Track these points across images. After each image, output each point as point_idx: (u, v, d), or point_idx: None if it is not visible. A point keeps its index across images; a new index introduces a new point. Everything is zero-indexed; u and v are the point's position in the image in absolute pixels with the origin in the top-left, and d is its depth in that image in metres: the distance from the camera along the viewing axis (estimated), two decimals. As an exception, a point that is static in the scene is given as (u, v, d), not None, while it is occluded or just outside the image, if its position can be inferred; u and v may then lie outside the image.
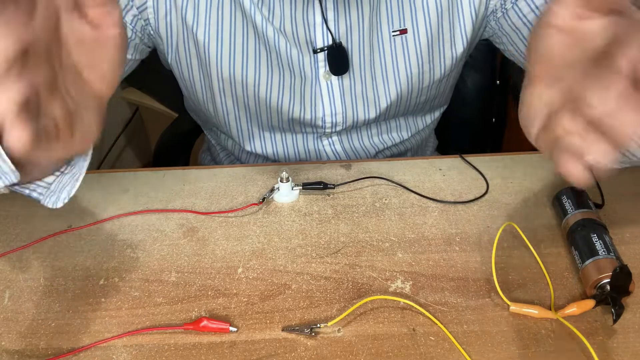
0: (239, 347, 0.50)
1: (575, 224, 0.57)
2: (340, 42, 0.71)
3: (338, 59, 0.72)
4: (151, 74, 0.91)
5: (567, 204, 0.60)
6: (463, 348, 0.49)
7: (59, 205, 0.47)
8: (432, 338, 0.50)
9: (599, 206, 0.63)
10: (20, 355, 0.50)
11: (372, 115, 0.77)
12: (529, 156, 0.74)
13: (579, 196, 0.60)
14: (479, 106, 1.09)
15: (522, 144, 1.01)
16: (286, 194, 0.66)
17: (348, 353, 0.49)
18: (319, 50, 0.71)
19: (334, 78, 0.74)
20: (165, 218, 0.65)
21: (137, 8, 0.69)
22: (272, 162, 0.89)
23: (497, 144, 1.16)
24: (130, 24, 0.71)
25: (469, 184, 0.68)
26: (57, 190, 0.47)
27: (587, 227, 0.56)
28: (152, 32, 0.73)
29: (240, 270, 0.58)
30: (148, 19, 0.71)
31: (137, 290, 0.56)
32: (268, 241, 0.61)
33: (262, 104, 0.76)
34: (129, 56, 0.74)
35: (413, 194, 0.67)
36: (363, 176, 0.70)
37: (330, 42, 0.70)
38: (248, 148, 0.84)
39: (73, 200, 0.69)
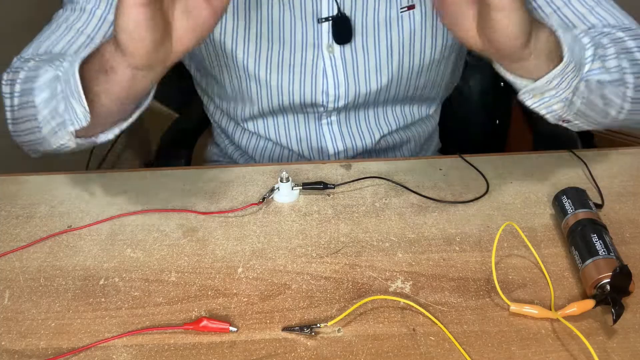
0: (239, 347, 0.50)
1: (575, 224, 0.57)
2: (344, 13, 0.73)
3: (341, 28, 0.74)
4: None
5: (567, 204, 0.60)
6: (463, 348, 0.49)
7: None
8: (432, 338, 0.50)
9: (599, 206, 0.63)
10: (20, 355, 0.50)
11: (373, 87, 0.78)
12: (529, 156, 0.74)
13: (579, 196, 0.60)
14: (483, 108, 1.09)
15: (524, 146, 1.01)
16: (286, 194, 0.66)
17: (348, 353, 0.49)
18: (323, 20, 0.73)
19: (337, 50, 0.75)
20: (165, 218, 0.65)
21: None
22: (272, 163, 0.90)
23: (501, 146, 1.15)
24: None
25: (469, 184, 0.68)
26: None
27: (587, 227, 0.56)
28: None
29: (240, 270, 0.58)
30: None
31: (137, 290, 0.56)
32: (268, 241, 0.61)
33: (262, 83, 0.77)
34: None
35: (413, 194, 0.67)
36: (363, 176, 0.70)
37: (336, 12, 0.73)
38: (249, 128, 0.85)
39: (73, 200, 0.69)
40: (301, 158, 0.86)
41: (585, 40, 0.60)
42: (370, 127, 0.84)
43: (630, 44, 0.64)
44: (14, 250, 0.61)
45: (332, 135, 0.83)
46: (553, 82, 0.58)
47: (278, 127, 0.84)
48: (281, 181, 0.66)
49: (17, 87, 0.64)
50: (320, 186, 0.67)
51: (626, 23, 0.70)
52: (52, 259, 0.60)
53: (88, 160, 1.69)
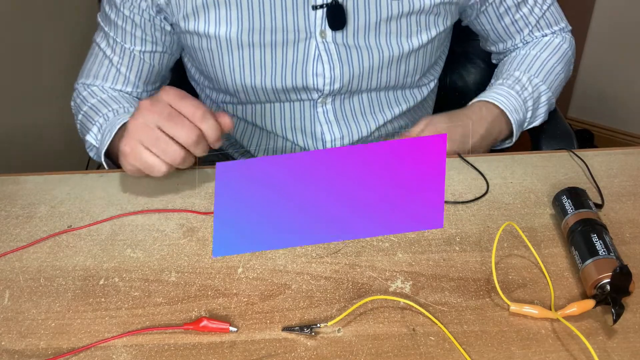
0: (239, 347, 0.50)
1: (575, 224, 0.57)
2: (338, 0, 0.75)
3: (336, 15, 0.76)
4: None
5: (567, 204, 0.60)
6: (463, 348, 0.49)
7: None
8: (432, 338, 0.50)
9: (599, 206, 0.63)
10: (20, 355, 0.50)
11: (366, 66, 0.80)
12: (529, 156, 0.74)
13: (579, 196, 0.60)
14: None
15: (522, 144, 1.01)
16: (286, 194, 0.66)
17: (348, 353, 0.49)
18: (318, 7, 0.75)
19: (329, 35, 0.77)
20: (165, 218, 0.65)
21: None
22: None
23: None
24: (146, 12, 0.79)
25: (469, 184, 0.68)
26: None
27: (587, 227, 0.56)
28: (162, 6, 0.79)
29: (240, 270, 0.58)
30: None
31: (137, 290, 0.56)
32: (268, 241, 0.61)
33: (255, 68, 0.78)
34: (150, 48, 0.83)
35: (413, 194, 0.67)
36: (363, 176, 0.69)
37: (330, 0, 0.75)
38: (246, 118, 0.87)
39: (73, 200, 0.69)
40: (295, 146, 0.87)
41: (529, 103, 0.82)
42: (366, 115, 0.86)
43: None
44: (14, 250, 0.61)
45: (328, 120, 0.84)
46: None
47: (274, 116, 0.85)
48: (281, 181, 0.66)
49: (79, 118, 0.85)
50: (320, 186, 0.67)
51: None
52: (52, 259, 0.60)
53: (88, 160, 1.69)
